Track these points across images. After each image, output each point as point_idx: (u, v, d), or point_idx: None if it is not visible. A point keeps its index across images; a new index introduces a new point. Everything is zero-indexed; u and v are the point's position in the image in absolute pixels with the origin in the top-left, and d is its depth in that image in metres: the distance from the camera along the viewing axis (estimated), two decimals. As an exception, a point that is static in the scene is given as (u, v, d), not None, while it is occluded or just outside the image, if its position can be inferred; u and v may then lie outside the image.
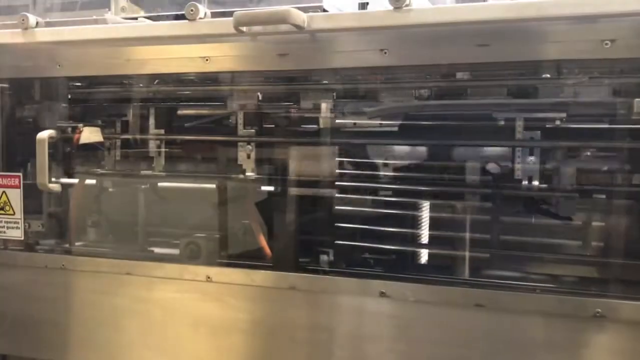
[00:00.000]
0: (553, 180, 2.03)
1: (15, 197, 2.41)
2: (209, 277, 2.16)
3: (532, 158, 2.02)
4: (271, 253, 2.27)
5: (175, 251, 2.41)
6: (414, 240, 2.25)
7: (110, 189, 2.66)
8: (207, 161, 2.49)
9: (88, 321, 2.35)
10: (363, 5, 2.08)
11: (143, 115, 2.47)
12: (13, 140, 2.51)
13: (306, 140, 2.25)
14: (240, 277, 2.13)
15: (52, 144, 2.35)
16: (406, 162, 2.21)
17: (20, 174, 2.42)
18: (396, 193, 2.25)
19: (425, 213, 2.24)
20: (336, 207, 2.24)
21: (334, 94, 2.16)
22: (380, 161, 2.24)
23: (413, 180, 2.19)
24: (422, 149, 2.19)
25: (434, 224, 2.23)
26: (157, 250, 2.57)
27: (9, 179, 2.42)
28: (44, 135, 2.32)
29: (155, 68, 2.21)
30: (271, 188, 2.30)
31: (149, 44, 2.19)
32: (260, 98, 2.31)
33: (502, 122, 2.05)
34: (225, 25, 2.02)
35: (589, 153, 2.06)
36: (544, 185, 2.02)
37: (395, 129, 2.17)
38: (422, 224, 2.25)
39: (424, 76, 2.12)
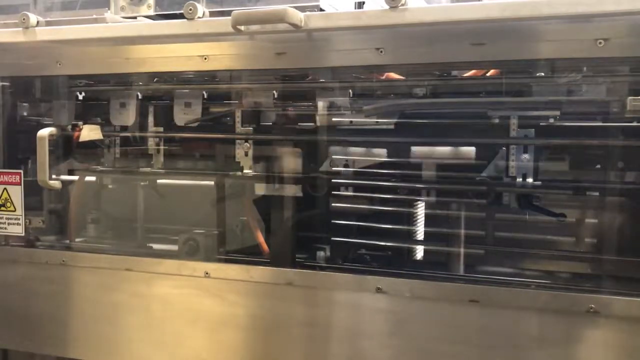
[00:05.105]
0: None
1: (16, 193, 2.43)
2: (207, 273, 2.18)
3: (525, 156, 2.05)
4: (268, 249, 2.29)
5: (174, 247, 2.43)
6: (410, 236, 2.27)
7: (110, 186, 2.69)
8: (205, 159, 2.51)
9: (88, 316, 2.36)
10: (359, 5, 2.09)
11: (142, 113, 2.49)
12: (14, 138, 2.54)
13: (303, 138, 2.27)
14: (238, 273, 2.15)
15: (53, 141, 2.37)
16: (401, 160, 2.23)
17: (21, 171, 2.44)
18: (391, 190, 2.26)
19: (421, 210, 2.26)
20: (333, 204, 2.26)
21: (330, 92, 2.18)
22: (376, 159, 2.25)
23: (409, 178, 2.21)
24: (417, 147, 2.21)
25: (429, 220, 2.25)
26: (156, 246, 2.59)
27: (10, 176, 2.44)
28: (45, 132, 2.33)
29: (154, 66, 2.22)
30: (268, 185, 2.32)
31: (148, 43, 2.20)
32: (257, 96, 2.33)
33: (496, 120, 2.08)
34: (224, 24, 2.03)
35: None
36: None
37: (391, 126, 2.19)
38: (418, 221, 2.27)
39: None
